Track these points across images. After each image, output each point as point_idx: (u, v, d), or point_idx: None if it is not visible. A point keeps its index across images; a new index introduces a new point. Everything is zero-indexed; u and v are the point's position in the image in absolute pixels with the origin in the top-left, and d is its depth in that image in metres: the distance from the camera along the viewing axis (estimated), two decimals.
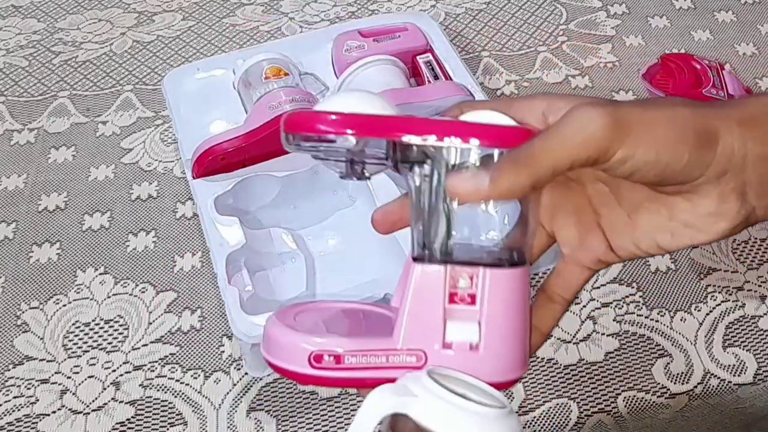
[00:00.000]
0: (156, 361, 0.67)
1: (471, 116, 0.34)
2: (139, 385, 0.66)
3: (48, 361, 0.68)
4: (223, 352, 0.68)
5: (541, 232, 0.37)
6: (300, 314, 0.38)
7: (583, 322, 0.68)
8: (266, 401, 0.64)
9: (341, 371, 0.35)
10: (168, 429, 0.63)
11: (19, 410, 0.65)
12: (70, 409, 0.65)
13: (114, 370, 0.67)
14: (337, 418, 0.63)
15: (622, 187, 0.34)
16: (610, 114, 0.30)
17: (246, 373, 0.66)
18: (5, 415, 0.65)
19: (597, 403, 0.63)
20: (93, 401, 0.65)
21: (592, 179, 0.35)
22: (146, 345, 0.69)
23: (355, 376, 0.35)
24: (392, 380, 0.35)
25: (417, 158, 0.33)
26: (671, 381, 0.64)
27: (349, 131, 0.33)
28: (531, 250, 0.36)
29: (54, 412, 0.65)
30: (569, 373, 0.65)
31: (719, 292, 0.69)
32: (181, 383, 0.66)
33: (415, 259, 0.34)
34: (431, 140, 0.32)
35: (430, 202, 0.34)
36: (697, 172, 0.31)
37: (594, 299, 0.70)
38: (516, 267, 0.34)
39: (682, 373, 0.64)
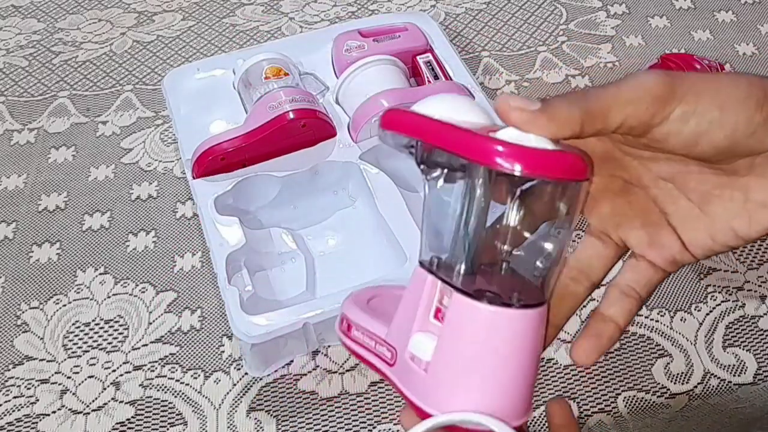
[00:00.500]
0: (156, 361, 0.67)
1: (506, 134, 0.31)
2: (139, 385, 0.66)
3: (48, 361, 0.68)
4: (223, 352, 0.68)
5: (608, 243, 0.36)
6: (375, 298, 0.39)
7: (583, 322, 0.68)
8: (266, 401, 0.64)
9: (351, 342, 0.37)
10: (168, 429, 0.63)
11: (19, 410, 0.65)
12: (70, 409, 0.65)
13: (114, 370, 0.67)
14: (337, 418, 0.63)
15: (690, 178, 0.33)
16: (668, 74, 0.29)
17: (246, 373, 0.66)
18: (5, 415, 0.65)
19: (597, 403, 0.63)
20: (93, 401, 0.65)
21: (654, 178, 0.34)
22: (146, 345, 0.69)
23: (358, 351, 0.37)
24: (382, 373, 0.35)
25: (447, 166, 0.32)
26: (671, 381, 0.64)
27: (415, 136, 0.32)
28: (541, 293, 0.33)
29: (54, 412, 0.65)
30: (569, 373, 0.65)
31: (719, 292, 0.69)
32: (181, 383, 0.66)
33: (420, 263, 0.34)
34: (517, 170, 0.29)
35: (446, 211, 0.33)
36: None
37: (594, 299, 0.69)
38: (495, 305, 0.31)
39: (682, 373, 0.64)
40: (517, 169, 0.29)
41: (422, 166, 0.33)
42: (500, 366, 0.32)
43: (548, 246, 0.33)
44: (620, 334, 0.36)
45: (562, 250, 0.33)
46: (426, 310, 0.33)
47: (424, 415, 0.33)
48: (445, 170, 0.33)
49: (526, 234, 0.33)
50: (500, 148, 0.29)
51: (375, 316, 0.37)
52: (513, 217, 0.32)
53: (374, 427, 0.62)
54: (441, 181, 0.33)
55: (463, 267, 0.33)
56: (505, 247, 0.33)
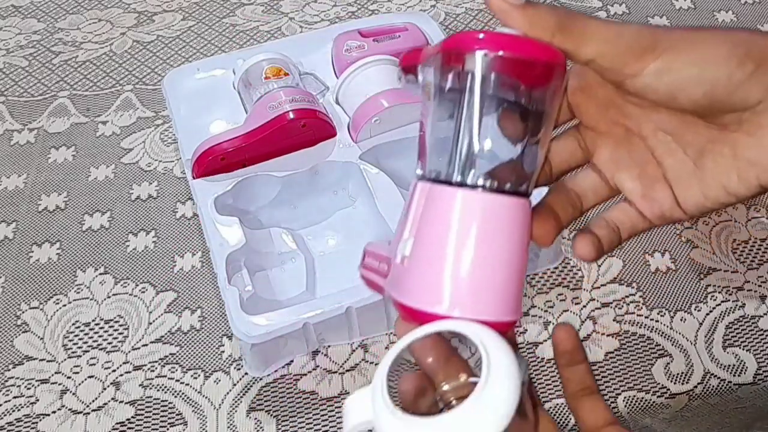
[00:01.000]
0: (156, 361, 0.67)
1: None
2: (139, 385, 0.66)
3: (48, 361, 0.68)
4: (223, 352, 0.68)
5: (604, 186, 0.37)
6: None
7: (583, 322, 0.68)
8: (266, 401, 0.64)
9: (365, 270, 0.38)
10: (168, 429, 0.63)
11: (19, 410, 0.65)
12: (70, 409, 0.65)
13: (114, 370, 0.67)
14: (337, 418, 0.63)
15: (687, 130, 0.33)
16: (653, 30, 0.30)
17: (246, 373, 0.66)
18: (5, 415, 0.65)
19: None
20: (93, 401, 0.65)
21: (654, 129, 0.34)
22: (146, 345, 0.69)
23: (368, 277, 0.38)
24: (382, 289, 0.36)
25: (439, 80, 0.33)
26: (671, 381, 0.64)
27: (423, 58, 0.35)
28: (518, 185, 0.34)
29: (54, 412, 0.65)
30: None
31: (719, 292, 0.69)
32: (181, 383, 0.66)
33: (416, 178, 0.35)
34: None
35: (435, 120, 0.34)
36: (755, 95, 0.30)
37: (594, 299, 0.70)
38: (462, 188, 0.32)
39: (682, 373, 0.64)
40: (493, 50, 0.31)
41: (424, 90, 0.35)
42: (471, 252, 0.32)
43: (524, 139, 0.34)
44: (603, 254, 0.36)
45: (539, 143, 0.34)
46: (415, 216, 0.34)
47: (407, 312, 0.33)
48: (439, 85, 0.34)
49: (505, 127, 0.33)
50: (480, 36, 0.31)
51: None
52: (490, 108, 0.33)
53: None
54: (435, 98, 0.34)
55: (441, 163, 0.33)
56: (485, 141, 0.33)
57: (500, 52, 0.31)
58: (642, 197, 0.35)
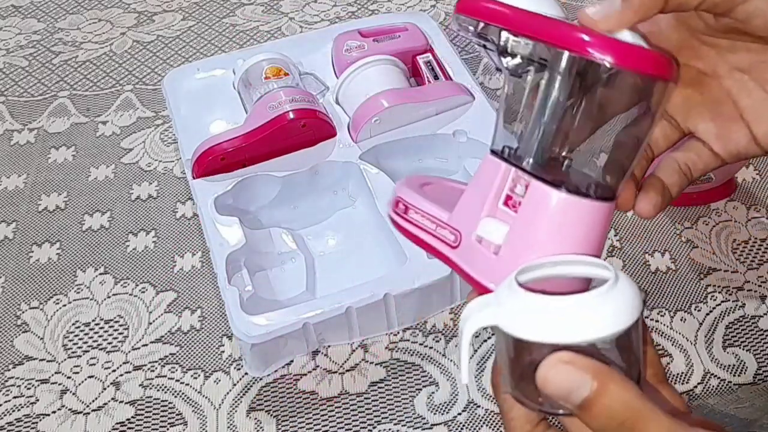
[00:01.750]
0: (156, 361, 0.67)
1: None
2: (139, 385, 0.66)
3: (48, 361, 0.68)
4: (223, 352, 0.68)
5: (674, 130, 0.37)
6: (428, 186, 0.41)
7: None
8: (266, 401, 0.64)
9: (407, 223, 0.38)
10: (168, 429, 0.63)
11: (19, 410, 0.65)
12: (70, 409, 0.65)
13: (114, 370, 0.67)
14: (337, 418, 0.63)
15: (767, 69, 0.33)
16: None
17: (246, 373, 0.66)
18: (5, 415, 0.65)
19: None
20: (93, 401, 0.65)
21: (730, 69, 0.34)
22: (146, 345, 0.69)
23: (415, 233, 0.38)
24: (440, 254, 0.37)
25: (529, 56, 0.32)
26: (671, 381, 0.64)
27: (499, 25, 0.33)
28: (614, 188, 0.34)
29: (54, 412, 0.65)
30: None
31: (719, 292, 0.69)
32: (181, 383, 0.66)
33: (492, 151, 0.35)
34: (607, 61, 0.29)
35: (529, 102, 0.33)
36: None
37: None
38: (574, 195, 0.32)
39: (682, 373, 0.64)
40: (608, 60, 0.29)
41: (502, 56, 0.34)
42: (571, 253, 0.33)
43: (627, 143, 0.34)
44: (665, 207, 0.37)
45: (640, 148, 0.34)
46: (496, 196, 0.34)
47: None
48: (527, 61, 0.33)
49: (606, 129, 0.33)
50: (592, 38, 0.29)
51: (432, 201, 0.38)
52: (593, 110, 0.32)
53: (374, 427, 0.62)
54: (524, 72, 0.33)
55: (543, 157, 0.33)
56: (585, 141, 0.33)
57: (631, 67, 0.30)
58: (717, 137, 0.36)
